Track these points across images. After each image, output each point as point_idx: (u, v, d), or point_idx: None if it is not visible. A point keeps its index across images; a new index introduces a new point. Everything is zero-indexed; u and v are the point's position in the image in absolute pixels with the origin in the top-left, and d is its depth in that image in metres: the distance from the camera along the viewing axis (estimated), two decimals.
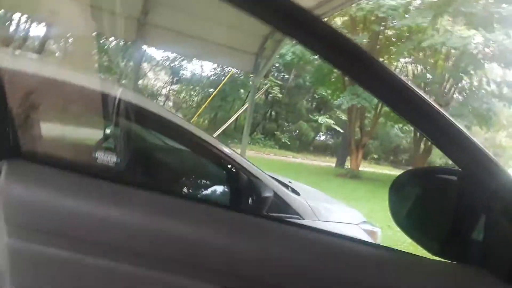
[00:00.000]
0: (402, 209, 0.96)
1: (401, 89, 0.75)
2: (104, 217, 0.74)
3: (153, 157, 2.18)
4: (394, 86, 0.75)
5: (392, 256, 0.84)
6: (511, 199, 0.77)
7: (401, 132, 20.50)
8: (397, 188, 0.94)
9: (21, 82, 1.26)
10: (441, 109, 0.77)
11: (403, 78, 0.78)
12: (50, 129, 1.49)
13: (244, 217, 0.85)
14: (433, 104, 0.76)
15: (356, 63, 0.75)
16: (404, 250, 0.85)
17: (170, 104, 22.36)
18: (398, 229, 0.88)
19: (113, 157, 1.67)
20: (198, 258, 0.75)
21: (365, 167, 17.07)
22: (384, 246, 0.96)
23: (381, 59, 14.13)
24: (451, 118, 0.76)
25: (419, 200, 0.92)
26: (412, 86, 0.76)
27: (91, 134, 2.17)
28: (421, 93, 0.76)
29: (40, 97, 1.26)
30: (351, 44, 0.76)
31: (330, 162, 18.28)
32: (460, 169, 0.79)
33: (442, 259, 0.83)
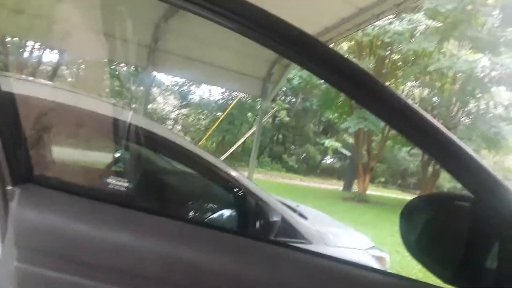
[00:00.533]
0: (413, 235, 0.95)
1: (409, 114, 0.76)
2: (114, 242, 0.75)
3: (162, 181, 2.19)
4: (402, 110, 0.76)
5: (401, 284, 0.83)
6: None
7: (409, 156, 20.35)
8: (408, 214, 0.93)
9: (33, 108, 1.29)
10: (451, 134, 0.77)
11: (411, 102, 0.79)
12: (62, 154, 1.52)
13: (251, 243, 0.85)
14: (443, 128, 0.77)
15: (362, 87, 0.76)
16: (413, 277, 0.84)
17: (179, 127, 22.57)
18: (406, 254, 0.87)
19: (124, 182, 1.68)
20: (206, 283, 0.75)
21: (373, 191, 16.88)
22: (392, 273, 0.94)
23: (387, 83, 14.27)
24: (461, 143, 0.76)
25: (430, 226, 0.91)
26: (420, 111, 0.77)
27: (102, 158, 2.20)
28: (430, 117, 0.77)
29: (51, 122, 1.29)
30: (356, 68, 0.77)
31: (337, 185, 18.14)
32: (472, 196, 0.79)
33: (454, 287, 0.81)
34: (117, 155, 2.21)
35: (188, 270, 0.74)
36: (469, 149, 0.76)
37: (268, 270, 0.77)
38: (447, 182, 15.96)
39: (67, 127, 1.59)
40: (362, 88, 0.77)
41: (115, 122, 1.78)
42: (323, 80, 0.81)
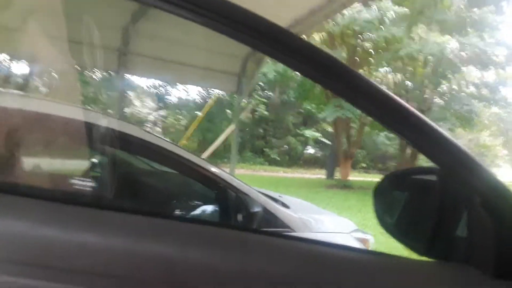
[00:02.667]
0: (386, 212, 0.97)
1: (376, 95, 0.77)
2: (81, 243, 0.73)
3: (140, 182, 2.17)
4: (369, 92, 0.77)
5: (379, 260, 0.85)
6: (490, 193, 0.77)
7: (387, 139, 20.74)
8: (380, 192, 0.96)
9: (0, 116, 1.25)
10: (415, 110, 0.79)
11: (378, 84, 0.80)
12: (29, 161, 1.48)
13: (230, 232, 0.85)
14: (408, 106, 0.79)
15: (332, 74, 0.78)
16: (391, 253, 0.86)
17: (159, 129, 22.31)
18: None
19: (91, 183, 1.66)
20: (181, 277, 0.73)
21: (355, 177, 17.14)
22: (371, 250, 0.96)
23: (361, 71, 14.46)
24: (425, 117, 0.78)
25: (401, 202, 0.94)
26: (386, 91, 0.78)
27: (72, 163, 2.16)
28: (395, 96, 0.79)
29: (16, 130, 1.26)
30: (328, 57, 0.78)
31: (320, 174, 18.33)
32: (438, 167, 0.81)
33: (428, 259, 0.83)
34: (89, 160, 2.17)
35: (161, 265, 0.73)
36: (432, 122, 0.78)
37: (251, 258, 0.77)
38: (425, 163, 16.32)
39: (36, 135, 1.55)
40: (331, 75, 0.78)
41: (88, 126, 1.75)
42: (297, 72, 0.82)
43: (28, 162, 1.37)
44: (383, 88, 0.80)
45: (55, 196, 0.80)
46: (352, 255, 0.85)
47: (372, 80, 0.82)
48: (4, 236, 0.72)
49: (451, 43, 11.91)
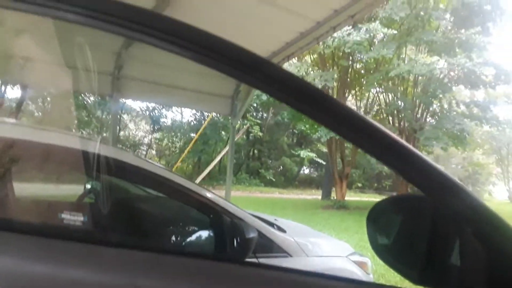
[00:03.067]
0: (379, 238, 0.97)
1: (358, 123, 0.78)
2: (74, 279, 0.72)
3: (132, 210, 2.15)
4: (352, 123, 0.78)
5: None
6: (480, 222, 0.77)
7: None
8: (373, 218, 0.96)
9: None
10: (398, 138, 0.80)
11: (360, 113, 0.82)
12: (21, 192, 1.47)
13: (223, 266, 0.84)
14: (391, 134, 0.80)
15: (311, 102, 0.79)
16: (386, 284, 0.85)
17: (153, 152, 22.27)
18: None
19: (81, 217, 1.64)
20: None
21: (351, 197, 17.12)
22: (368, 282, 0.96)
23: (353, 91, 14.61)
24: (409, 145, 0.79)
25: (394, 229, 0.94)
26: (370, 120, 0.80)
27: (68, 192, 2.15)
28: (379, 125, 0.80)
29: (10, 160, 1.26)
30: (306, 86, 0.80)
31: (316, 195, 18.29)
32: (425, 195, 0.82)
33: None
34: (84, 187, 2.16)
35: None
36: (415, 149, 0.79)
37: None
38: None
39: (28, 164, 1.54)
40: (311, 103, 0.79)
41: (80, 154, 1.75)
42: (280, 101, 0.83)
43: (20, 194, 1.36)
44: (366, 117, 0.81)
45: (45, 231, 0.79)
46: (349, 287, 0.84)
47: (354, 109, 0.83)
48: None
49: (440, 63, 12.16)
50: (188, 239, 2.13)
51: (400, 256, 0.91)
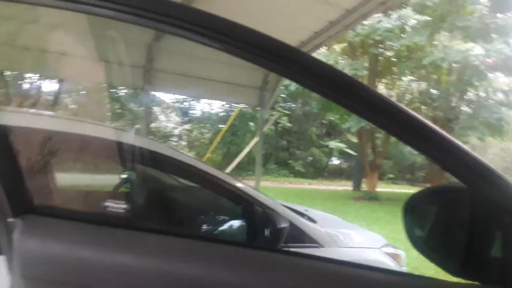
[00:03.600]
0: (416, 230, 0.96)
1: (395, 114, 0.77)
2: (119, 264, 0.76)
3: (167, 199, 2.21)
4: (388, 111, 0.77)
5: (412, 282, 0.84)
6: None
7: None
8: (410, 209, 0.94)
9: (31, 139, 1.31)
10: (437, 128, 0.78)
11: (396, 102, 0.80)
12: (63, 182, 1.54)
13: (258, 253, 0.86)
14: (430, 123, 0.78)
15: (349, 94, 0.78)
16: (425, 275, 0.84)
17: (184, 143, 22.64)
18: None
19: (126, 205, 1.70)
20: None
21: (383, 188, 16.79)
22: (403, 272, 0.95)
23: (384, 80, 14.23)
24: (449, 135, 0.77)
25: (432, 220, 0.92)
26: (406, 109, 0.78)
27: (103, 182, 2.23)
28: (416, 114, 0.78)
29: (50, 152, 1.32)
30: (341, 74, 0.79)
31: (346, 186, 18.06)
32: (465, 186, 0.80)
33: (463, 280, 0.81)
34: (120, 177, 2.23)
35: (195, 287, 0.74)
36: (455, 139, 0.77)
37: (278, 280, 0.77)
38: None
39: (66, 155, 1.61)
40: (344, 91, 0.79)
41: (116, 144, 1.81)
42: (312, 91, 0.82)
43: (62, 184, 1.42)
44: (404, 106, 0.80)
45: (90, 218, 0.83)
46: (383, 277, 0.84)
47: (391, 98, 0.81)
48: (43, 256, 0.75)
49: (476, 50, 11.63)
50: (221, 228, 2.17)
51: (438, 248, 0.89)
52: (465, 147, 0.77)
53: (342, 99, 0.79)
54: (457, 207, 0.84)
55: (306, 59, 0.81)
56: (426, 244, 0.91)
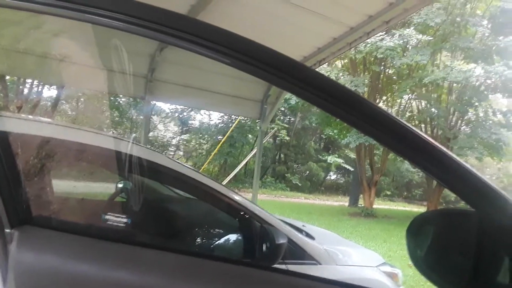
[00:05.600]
0: (420, 251, 0.93)
1: (400, 131, 0.76)
2: (115, 280, 0.73)
3: (164, 210, 2.18)
4: (394, 129, 0.76)
5: None
6: None
7: (412, 167, 20.30)
8: (414, 230, 0.92)
9: (30, 146, 1.29)
10: (445, 148, 0.77)
11: (401, 120, 0.79)
12: (60, 193, 1.51)
13: (255, 272, 0.84)
14: (436, 144, 0.77)
15: (350, 108, 0.77)
16: None
17: (181, 153, 22.61)
18: None
19: (122, 218, 1.67)
20: None
21: (379, 205, 16.76)
22: None
23: (384, 97, 14.31)
24: (458, 158, 0.76)
25: (437, 242, 0.90)
26: (412, 128, 0.77)
27: (102, 192, 2.20)
28: (422, 133, 0.77)
29: (48, 161, 1.29)
30: (344, 90, 0.78)
31: (342, 201, 18.01)
32: (473, 209, 0.78)
33: None
34: (118, 186, 2.21)
35: None
36: (464, 162, 0.76)
37: None
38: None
39: (63, 163, 1.59)
40: (350, 109, 0.77)
41: (114, 154, 1.79)
42: (314, 105, 0.81)
43: (58, 193, 1.39)
44: (413, 127, 0.78)
45: (87, 231, 0.81)
46: None
47: (400, 119, 0.80)
48: (39, 269, 0.73)
49: (477, 71, 11.74)
50: (218, 242, 2.14)
51: (441, 270, 0.87)
52: (475, 170, 0.75)
53: (353, 116, 0.77)
54: (464, 231, 0.82)
55: (310, 74, 0.80)
56: (429, 266, 0.89)
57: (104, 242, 0.79)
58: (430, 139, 0.76)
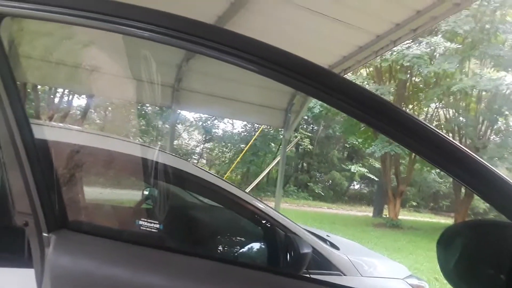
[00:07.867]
0: (451, 263, 0.91)
1: (434, 140, 0.75)
2: (147, 284, 0.75)
3: (190, 217, 2.21)
4: (426, 136, 0.75)
5: None
6: None
7: (439, 177, 19.75)
8: (445, 242, 0.90)
9: (65, 155, 1.34)
10: (479, 158, 0.75)
11: (434, 127, 0.77)
12: (95, 198, 1.56)
13: (281, 280, 0.84)
14: (471, 153, 0.75)
15: (379, 115, 0.76)
16: None
17: (204, 161, 22.83)
18: (445, 281, 0.84)
19: (155, 224, 1.71)
20: None
21: (405, 216, 16.35)
22: None
23: (411, 106, 14.03)
24: (494, 168, 0.74)
25: (470, 254, 0.88)
26: (446, 136, 0.76)
27: (134, 198, 2.25)
28: (456, 142, 0.76)
29: (83, 168, 1.34)
30: (373, 96, 0.77)
31: (366, 212, 17.67)
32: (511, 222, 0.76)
33: None
34: (146, 193, 2.25)
35: None
36: (501, 173, 0.74)
37: None
38: (482, 203, 15.28)
39: (98, 171, 1.64)
40: (379, 115, 0.77)
41: (143, 162, 1.83)
42: (343, 112, 0.81)
43: (91, 199, 1.44)
44: (447, 136, 0.77)
45: (122, 236, 0.84)
46: None
47: (423, 120, 0.79)
48: (74, 273, 0.75)
49: (507, 79, 11.37)
50: (243, 250, 2.14)
51: (474, 284, 0.85)
52: (508, 178, 0.73)
53: (379, 123, 0.77)
54: (499, 243, 0.80)
55: (337, 80, 0.80)
56: (461, 278, 0.87)
57: (136, 246, 0.81)
58: (465, 148, 0.74)
